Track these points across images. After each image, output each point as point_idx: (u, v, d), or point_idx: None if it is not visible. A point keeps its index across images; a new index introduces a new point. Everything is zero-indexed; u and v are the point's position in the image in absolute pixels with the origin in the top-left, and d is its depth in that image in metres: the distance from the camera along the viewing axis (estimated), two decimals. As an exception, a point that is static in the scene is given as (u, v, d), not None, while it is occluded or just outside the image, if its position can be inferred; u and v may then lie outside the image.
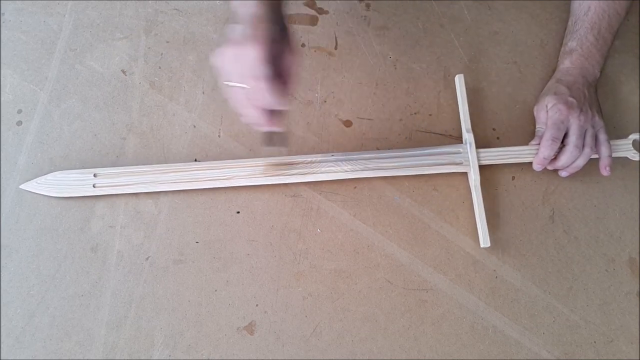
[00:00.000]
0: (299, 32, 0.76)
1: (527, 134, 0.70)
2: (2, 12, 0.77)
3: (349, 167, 0.65)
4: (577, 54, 0.68)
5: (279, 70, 0.47)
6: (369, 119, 0.72)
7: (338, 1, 0.78)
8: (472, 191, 0.66)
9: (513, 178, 0.69)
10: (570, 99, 0.63)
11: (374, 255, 0.65)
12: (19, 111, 0.72)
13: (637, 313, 0.63)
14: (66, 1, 0.78)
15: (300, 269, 0.64)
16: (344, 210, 0.67)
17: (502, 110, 0.72)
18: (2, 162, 0.69)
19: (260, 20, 0.46)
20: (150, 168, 0.66)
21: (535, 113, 0.69)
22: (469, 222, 0.67)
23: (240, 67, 0.46)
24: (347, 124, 0.72)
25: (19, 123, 0.71)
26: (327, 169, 0.66)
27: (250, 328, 0.62)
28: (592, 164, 0.66)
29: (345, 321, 0.62)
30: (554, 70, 0.71)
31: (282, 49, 0.48)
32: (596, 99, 0.67)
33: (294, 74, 0.49)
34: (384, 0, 0.78)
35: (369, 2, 0.78)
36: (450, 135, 0.71)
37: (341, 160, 0.66)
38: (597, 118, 0.64)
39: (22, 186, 0.66)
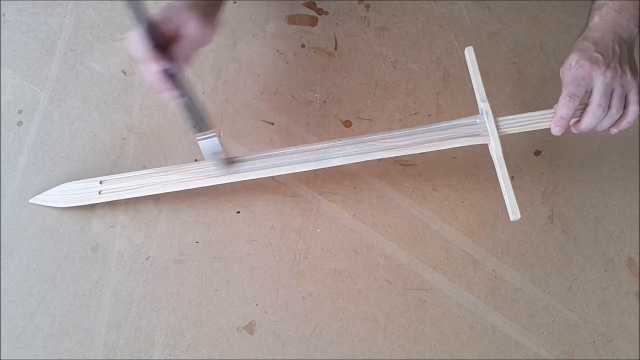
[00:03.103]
0: (299, 32, 0.77)
1: (526, 133, 0.70)
2: (2, 12, 0.77)
3: (359, 149, 0.61)
4: (607, 8, 0.60)
5: (170, 34, 0.52)
6: (368, 119, 0.72)
7: (338, 2, 0.79)
8: (495, 162, 0.61)
9: (512, 178, 0.69)
10: (595, 54, 0.56)
11: (374, 255, 0.65)
12: (20, 111, 0.72)
13: (636, 313, 0.63)
14: (67, 2, 0.78)
15: (300, 268, 0.65)
16: (343, 210, 0.67)
17: (501, 110, 0.72)
18: (2, 162, 0.69)
19: None
20: (153, 170, 0.65)
21: (560, 75, 0.61)
22: (468, 222, 0.67)
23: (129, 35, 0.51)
24: (347, 124, 0.72)
25: (20, 123, 0.71)
26: (337, 152, 0.61)
27: (250, 328, 0.62)
28: (592, 162, 0.67)
29: (345, 321, 0.63)
30: (552, 71, 0.72)
31: (184, 19, 0.52)
32: (631, 56, 0.58)
33: (192, 42, 0.53)
34: (383, 1, 0.79)
35: (369, 2, 0.78)
36: (449, 136, 0.71)
37: (349, 144, 0.61)
38: (629, 77, 0.56)
39: (31, 200, 0.66)
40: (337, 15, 0.78)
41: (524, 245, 0.66)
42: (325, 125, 0.71)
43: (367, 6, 0.78)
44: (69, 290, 0.63)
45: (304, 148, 0.63)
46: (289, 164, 0.62)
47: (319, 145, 0.62)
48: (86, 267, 0.64)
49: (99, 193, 0.65)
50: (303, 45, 0.76)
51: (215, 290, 0.64)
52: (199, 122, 0.57)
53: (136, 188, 0.65)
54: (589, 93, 0.57)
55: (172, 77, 0.51)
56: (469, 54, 0.65)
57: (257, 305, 0.63)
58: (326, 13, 0.78)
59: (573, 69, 0.57)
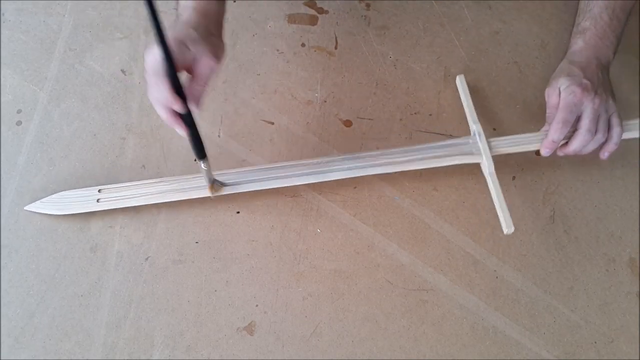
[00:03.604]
0: (299, 31, 0.76)
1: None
2: (2, 12, 0.77)
3: (358, 164, 0.64)
4: (590, 33, 0.64)
5: (188, 72, 0.49)
6: (369, 119, 0.72)
7: (338, 1, 0.78)
8: (487, 180, 0.64)
9: (513, 178, 0.69)
10: (585, 81, 0.60)
11: (374, 256, 0.65)
12: (19, 111, 0.71)
13: (637, 313, 0.63)
14: (66, 1, 0.78)
15: (300, 269, 0.64)
16: (344, 210, 0.67)
17: (502, 110, 0.72)
18: (2, 162, 0.69)
19: (187, 24, 0.49)
20: (152, 181, 0.65)
21: (546, 97, 0.65)
22: (469, 222, 0.67)
23: (148, 63, 0.48)
24: (347, 123, 0.72)
25: (19, 123, 0.71)
26: (336, 167, 0.64)
27: (250, 328, 0.62)
28: (593, 162, 0.66)
29: (345, 321, 0.62)
30: (554, 70, 0.71)
31: (198, 53, 0.49)
32: (609, 82, 0.64)
33: (205, 80, 0.50)
34: (384, 0, 0.78)
35: (369, 1, 0.78)
36: (450, 135, 0.71)
37: (348, 159, 0.64)
38: (610, 102, 0.61)
39: (26, 207, 0.66)
40: (338, 14, 0.77)
41: (525, 246, 0.66)
42: (326, 125, 0.71)
43: (368, 5, 0.78)
44: (68, 290, 0.63)
45: (305, 162, 0.64)
46: (285, 177, 0.64)
47: (319, 160, 0.64)
48: (85, 267, 0.64)
49: (97, 201, 0.65)
50: (303, 45, 0.76)
51: (215, 290, 0.63)
52: (201, 151, 0.56)
53: (135, 197, 0.65)
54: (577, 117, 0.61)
55: (184, 116, 0.49)
56: (461, 81, 0.70)
57: (257, 305, 0.63)
58: (326, 12, 0.77)
59: (564, 93, 0.60)
